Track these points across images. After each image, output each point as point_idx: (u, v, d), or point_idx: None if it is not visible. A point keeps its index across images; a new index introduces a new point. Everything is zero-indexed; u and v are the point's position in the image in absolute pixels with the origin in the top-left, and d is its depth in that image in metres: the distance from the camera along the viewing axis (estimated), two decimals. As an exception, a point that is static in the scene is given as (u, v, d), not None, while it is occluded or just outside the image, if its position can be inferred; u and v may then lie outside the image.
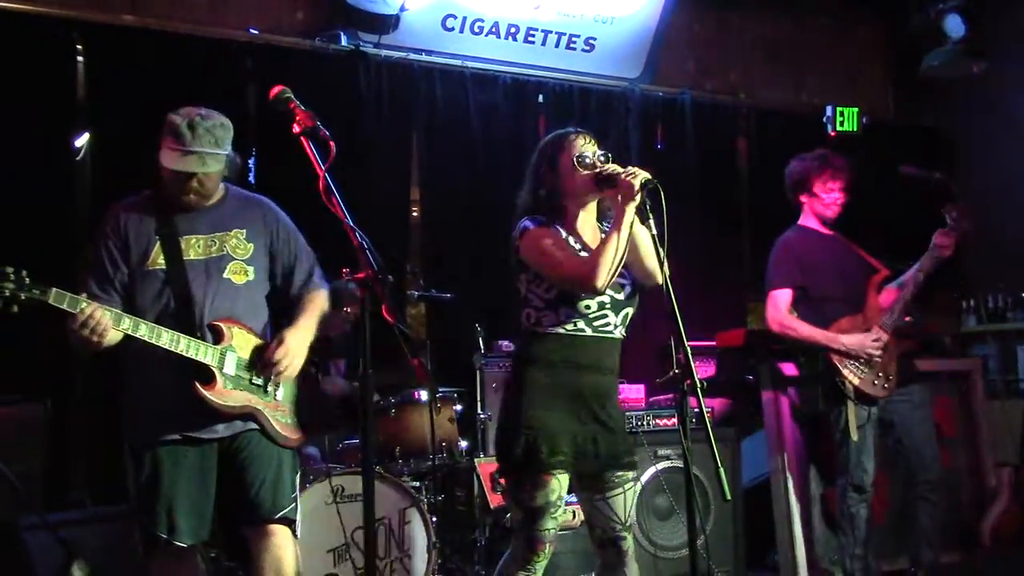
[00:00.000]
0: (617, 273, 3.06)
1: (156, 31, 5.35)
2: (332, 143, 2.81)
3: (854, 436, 4.27)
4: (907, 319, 4.39)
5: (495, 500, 4.65)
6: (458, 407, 4.85)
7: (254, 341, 3.20)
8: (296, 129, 2.78)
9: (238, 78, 5.48)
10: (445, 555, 4.52)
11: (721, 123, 7.17)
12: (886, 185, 4.97)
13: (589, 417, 3.12)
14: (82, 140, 5.11)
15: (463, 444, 4.83)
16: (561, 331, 3.12)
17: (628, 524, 3.21)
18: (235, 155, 3.19)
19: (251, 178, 3.16)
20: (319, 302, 3.36)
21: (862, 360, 4.28)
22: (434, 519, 4.33)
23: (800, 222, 4.61)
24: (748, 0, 7.41)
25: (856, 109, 6.68)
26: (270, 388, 3.22)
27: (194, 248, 3.17)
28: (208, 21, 5.58)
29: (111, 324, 2.90)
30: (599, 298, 3.12)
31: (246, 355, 3.16)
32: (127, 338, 2.98)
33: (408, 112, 6.05)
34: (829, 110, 6.69)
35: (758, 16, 7.50)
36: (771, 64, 7.55)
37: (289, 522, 3.24)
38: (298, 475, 3.35)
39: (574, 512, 4.21)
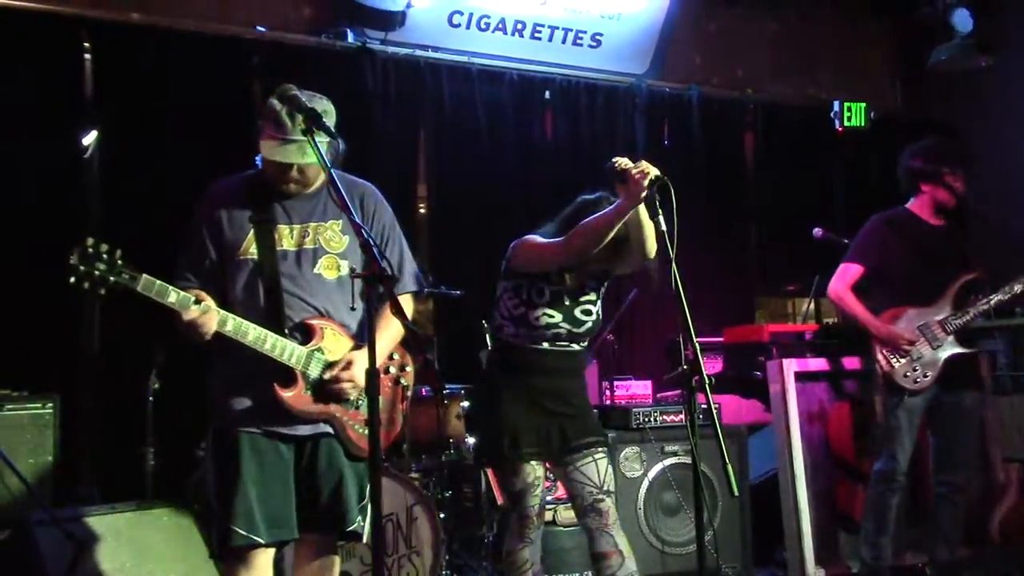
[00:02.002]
0: (595, 246, 3.29)
1: (163, 29, 5.36)
2: (339, 140, 2.82)
3: (878, 419, 4.37)
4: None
5: (502, 497, 4.66)
6: (465, 403, 4.85)
7: (346, 344, 3.00)
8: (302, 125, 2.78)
9: (245, 75, 5.49)
10: (452, 551, 4.52)
11: (728, 118, 7.16)
12: (894, 180, 5.00)
13: (550, 412, 3.45)
14: (89, 137, 5.12)
15: (470, 440, 4.83)
16: (520, 343, 3.49)
17: (605, 488, 3.44)
18: (339, 141, 2.90)
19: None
20: (396, 324, 2.96)
21: (900, 350, 4.33)
22: (441, 515, 4.34)
23: (909, 205, 4.60)
24: (755, -5, 7.41)
25: (864, 104, 6.66)
26: (353, 397, 3.02)
27: (287, 238, 2.97)
28: (215, 18, 5.59)
29: (215, 326, 2.79)
30: (555, 330, 3.45)
31: (335, 358, 2.97)
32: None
33: (415, 108, 6.06)
34: (836, 105, 6.67)
35: (765, 11, 7.48)
36: (778, 59, 7.53)
37: (353, 535, 3.05)
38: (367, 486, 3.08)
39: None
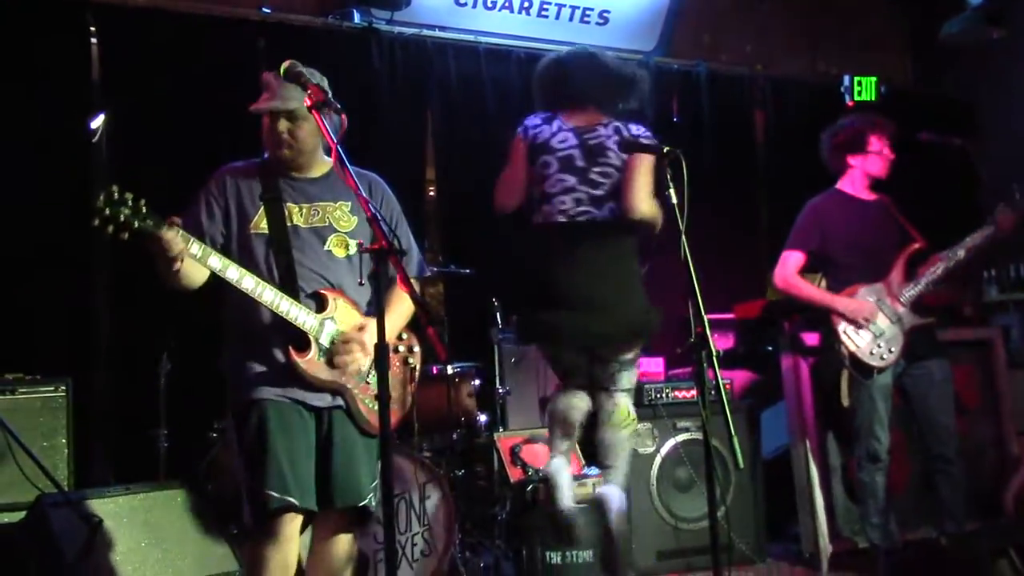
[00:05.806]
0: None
1: (169, 11, 5.34)
2: (344, 115, 2.82)
3: (845, 402, 4.34)
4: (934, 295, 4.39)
5: (515, 474, 4.67)
6: (477, 382, 4.86)
7: (356, 317, 3.06)
8: (307, 102, 2.79)
9: (251, 57, 5.47)
10: (465, 529, 4.54)
11: (737, 95, 7.11)
12: (905, 153, 4.97)
13: (576, 304, 3.66)
14: (97, 121, 5.12)
15: (482, 419, 4.84)
16: (548, 219, 3.71)
17: (619, 387, 3.82)
18: (339, 117, 2.92)
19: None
20: (406, 303, 3.12)
21: (861, 327, 4.28)
22: (454, 494, 4.35)
23: (838, 186, 4.57)
24: (763, -31, 7.34)
25: (874, 78, 6.62)
26: (362, 363, 3.06)
27: (297, 215, 3.05)
28: (220, 0, 5.57)
29: (183, 246, 2.77)
30: (575, 194, 3.68)
31: (346, 329, 3.02)
32: (220, 285, 2.89)
33: (422, 89, 6.03)
34: (847, 80, 6.64)
35: (773, -14, 7.43)
36: (787, 34, 7.47)
37: (365, 512, 3.08)
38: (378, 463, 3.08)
39: (593, 484, 4.22)
